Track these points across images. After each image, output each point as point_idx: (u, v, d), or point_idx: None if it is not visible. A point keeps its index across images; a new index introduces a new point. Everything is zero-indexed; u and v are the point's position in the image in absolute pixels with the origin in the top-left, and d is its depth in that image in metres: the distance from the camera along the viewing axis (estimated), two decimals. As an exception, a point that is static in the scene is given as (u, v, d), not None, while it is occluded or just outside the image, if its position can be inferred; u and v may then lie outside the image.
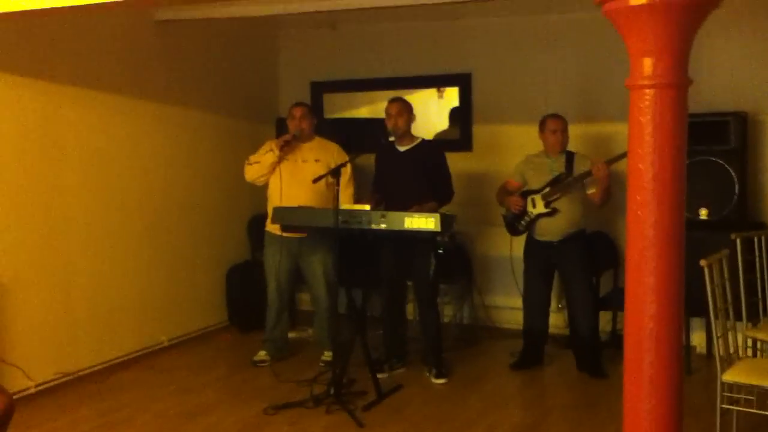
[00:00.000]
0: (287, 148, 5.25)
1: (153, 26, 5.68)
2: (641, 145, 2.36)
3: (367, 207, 4.72)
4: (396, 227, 4.56)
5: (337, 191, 4.63)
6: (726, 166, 5.16)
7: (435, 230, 4.52)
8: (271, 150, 5.25)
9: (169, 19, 5.71)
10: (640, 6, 2.27)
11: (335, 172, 4.65)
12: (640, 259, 2.38)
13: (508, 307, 6.11)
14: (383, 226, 4.58)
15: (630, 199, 2.40)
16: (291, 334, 5.91)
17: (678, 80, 2.33)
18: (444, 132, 6.68)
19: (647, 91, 2.34)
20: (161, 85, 5.78)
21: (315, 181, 4.74)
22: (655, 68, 2.33)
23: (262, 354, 5.48)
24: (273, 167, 5.26)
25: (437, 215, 4.54)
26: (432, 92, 6.76)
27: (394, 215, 4.60)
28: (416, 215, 4.57)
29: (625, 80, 2.41)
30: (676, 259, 2.35)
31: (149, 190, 5.68)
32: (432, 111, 6.76)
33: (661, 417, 2.40)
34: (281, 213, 4.97)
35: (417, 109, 6.66)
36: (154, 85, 5.72)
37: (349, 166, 5.23)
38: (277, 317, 5.50)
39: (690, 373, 5.09)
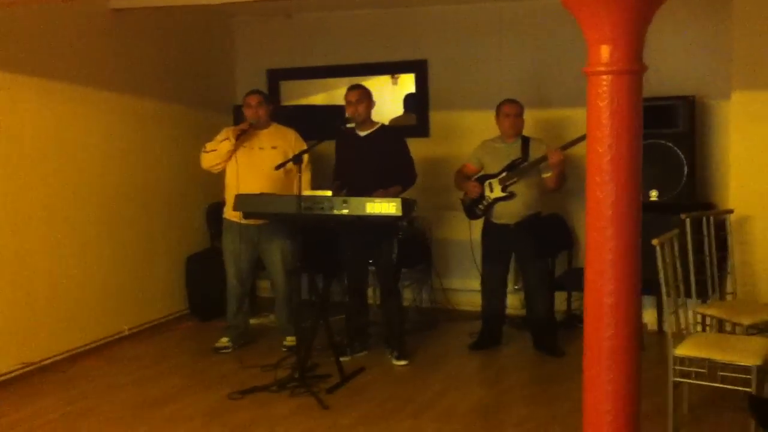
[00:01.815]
0: (243, 136, 5.28)
1: (108, 14, 5.63)
2: (599, 128, 2.46)
3: (329, 193, 4.77)
4: (358, 212, 4.63)
5: (300, 178, 4.67)
6: (675, 148, 5.33)
7: (396, 215, 4.60)
8: (227, 138, 5.27)
9: (124, 7, 5.68)
10: (598, -5, 2.37)
11: (297, 159, 4.69)
12: (599, 238, 2.49)
13: (467, 289, 6.23)
14: (345, 211, 4.65)
15: (589, 180, 2.51)
16: (252, 321, 5.95)
17: (633, 66, 2.44)
18: (399, 118, 6.76)
19: (604, 77, 2.44)
20: (117, 74, 5.74)
21: (278, 167, 4.78)
22: (611, 55, 2.43)
23: (224, 340, 5.51)
24: (229, 155, 5.29)
25: (398, 200, 4.62)
26: (386, 79, 6.84)
27: (356, 200, 4.67)
28: (377, 200, 4.64)
29: (583, 67, 2.52)
30: (633, 238, 2.47)
31: (106, 180, 5.65)
32: (386, 97, 6.82)
33: (620, 389, 2.52)
34: (243, 200, 5.00)
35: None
36: (110, 74, 5.67)
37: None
38: (237, 304, 5.53)
39: (642, 349, 5.25)
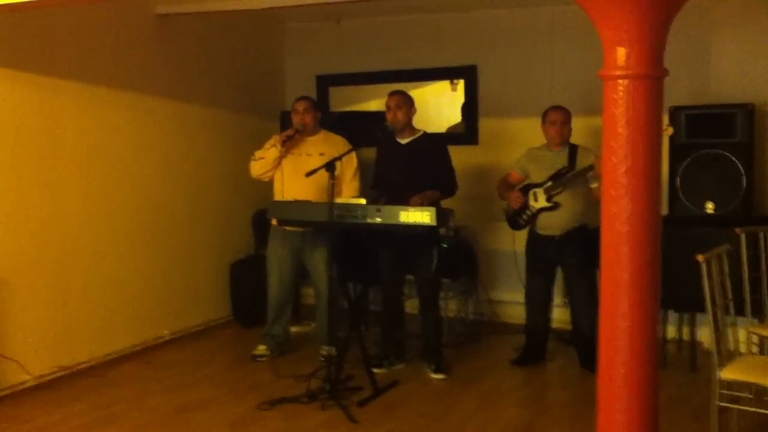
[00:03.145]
0: (290, 142, 5.21)
1: (153, 20, 5.66)
2: (615, 137, 2.29)
3: (363, 201, 4.66)
4: (391, 221, 4.50)
5: (332, 185, 4.56)
6: (733, 159, 5.03)
7: (431, 224, 4.45)
8: (274, 145, 5.21)
9: (170, 12, 5.69)
10: (612, -6, 2.20)
11: (330, 166, 4.58)
12: (614, 256, 2.31)
13: (513, 302, 6.01)
14: (378, 220, 4.53)
15: (604, 193, 2.34)
16: (294, 329, 5.89)
17: (652, 71, 2.25)
18: (456, 125, 6.60)
19: (620, 81, 2.27)
20: (162, 80, 5.76)
21: (308, 174, 4.68)
22: (628, 58, 2.26)
23: (261, 348, 5.45)
24: (276, 162, 5.23)
25: (433, 209, 4.47)
26: (445, 85, 6.69)
27: (389, 209, 4.54)
28: (411, 209, 4.50)
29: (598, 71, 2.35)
30: (651, 256, 2.28)
31: (150, 185, 5.67)
32: (444, 104, 6.69)
33: (635, 417, 2.33)
34: (277, 207, 4.94)
35: (430, 102, 6.64)
36: (155, 80, 5.70)
37: (355, 159, 5.20)
38: (278, 312, 5.46)
39: (694, 370, 4.99)
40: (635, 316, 2.26)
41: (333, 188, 4.59)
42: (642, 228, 2.25)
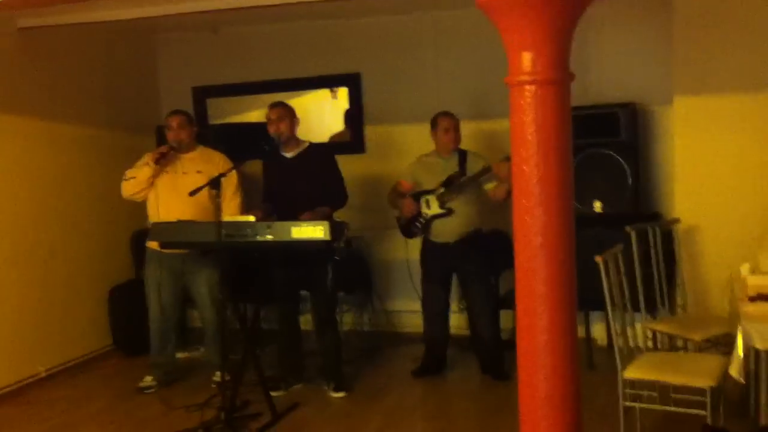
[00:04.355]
0: (164, 160, 4.92)
1: (15, 34, 5.25)
2: (524, 145, 2.19)
3: (252, 218, 4.44)
4: (283, 238, 4.30)
5: (219, 203, 4.32)
6: (618, 158, 5.12)
7: (324, 239, 4.28)
8: (147, 164, 4.91)
9: (34, 25, 5.28)
10: (516, -2, 2.10)
11: (215, 183, 4.34)
12: (529, 268, 2.21)
13: (410, 311, 5.93)
14: (269, 237, 4.32)
15: (516, 203, 2.24)
16: (181, 355, 5.59)
17: (559, 75, 2.17)
18: (340, 134, 6.46)
19: (527, 87, 2.18)
20: (28, 97, 5.36)
21: (192, 193, 4.40)
22: (534, 64, 2.16)
23: (148, 380, 5.13)
24: (150, 182, 4.93)
25: (326, 223, 4.30)
26: (325, 93, 6.53)
27: (280, 225, 4.34)
28: (304, 224, 4.32)
29: (504, 77, 2.26)
30: (568, 266, 2.20)
31: (19, 210, 5.25)
32: (326, 112, 6.54)
33: (561, 429, 2.24)
34: (159, 229, 4.64)
35: (310, 111, 6.46)
36: (20, 97, 5.29)
37: (235, 175, 4.94)
38: (161, 339, 5.15)
39: (592, 367, 5.03)
40: (555, 329, 2.17)
41: (220, 206, 4.34)
42: (557, 238, 2.17)
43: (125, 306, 5.92)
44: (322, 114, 6.54)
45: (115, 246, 6.07)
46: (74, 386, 5.30)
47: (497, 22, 2.21)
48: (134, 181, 4.96)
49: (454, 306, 5.46)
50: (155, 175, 4.93)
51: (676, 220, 4.79)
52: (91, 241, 5.88)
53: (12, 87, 5.23)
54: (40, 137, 5.45)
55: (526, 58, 2.17)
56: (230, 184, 4.94)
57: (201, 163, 4.99)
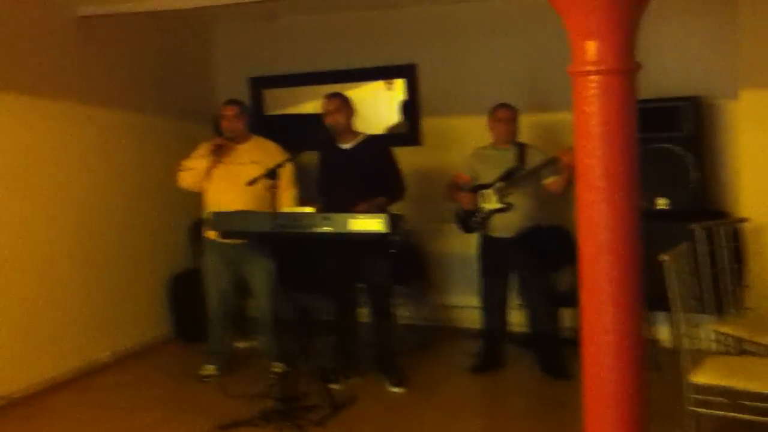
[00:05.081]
0: (220, 152, 4.95)
1: (75, 22, 5.31)
2: (588, 138, 2.12)
3: (311, 209, 4.43)
4: (341, 229, 4.29)
5: (275, 193, 4.33)
6: (681, 153, 4.97)
7: (382, 231, 4.25)
8: (204, 156, 4.95)
9: (92, 14, 5.34)
10: (581, -17, 2.03)
11: (271, 174, 4.35)
12: (594, 266, 2.14)
13: (468, 306, 5.86)
14: (327, 228, 4.30)
15: (580, 198, 2.17)
16: (240, 344, 5.62)
17: (626, 65, 2.09)
18: (396, 126, 6.41)
19: (592, 77, 2.10)
20: (86, 86, 5.42)
21: (249, 183, 4.43)
22: (599, 52, 2.09)
23: (209, 368, 5.18)
24: (206, 173, 4.97)
25: (384, 216, 4.27)
26: (380, 85, 6.49)
27: (338, 217, 4.32)
28: (361, 216, 4.29)
29: (567, 67, 2.19)
30: (635, 264, 2.12)
31: (78, 199, 5.34)
32: (382, 104, 6.49)
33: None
34: (217, 218, 4.67)
35: (366, 103, 6.43)
36: (79, 86, 5.36)
37: (290, 166, 4.95)
38: (220, 328, 5.20)
39: (658, 369, 4.90)
40: (620, 330, 2.10)
41: (275, 197, 4.35)
42: (623, 234, 2.09)
43: (184, 294, 6.00)
44: (377, 105, 6.50)
45: (175, 235, 6.14)
46: (136, 372, 5.39)
47: (560, 8, 2.15)
48: (191, 172, 5.01)
49: (512, 302, 5.39)
50: (212, 167, 4.96)
51: (744, 219, 4.62)
52: (151, 229, 5.95)
53: (71, 75, 5.30)
54: (98, 125, 5.51)
55: (591, 47, 2.09)
56: (285, 175, 4.95)
57: (256, 154, 4.99)
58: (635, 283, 2.11)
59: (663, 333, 5.27)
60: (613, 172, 2.09)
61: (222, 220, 4.65)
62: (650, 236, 4.63)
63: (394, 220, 4.34)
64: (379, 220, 4.23)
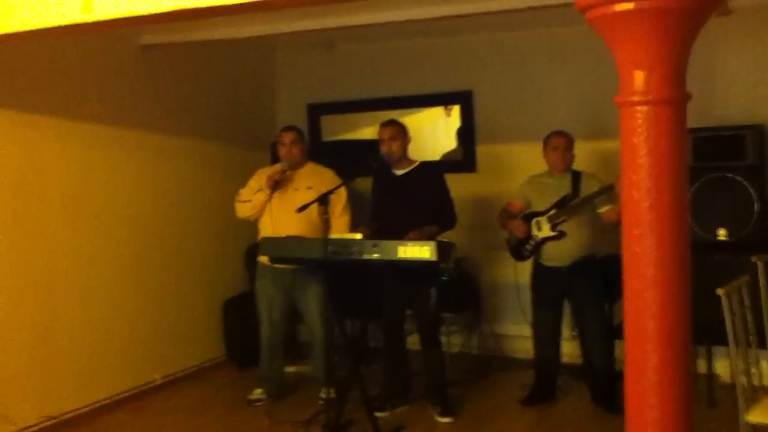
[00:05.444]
0: (279, 187, 4.99)
1: (138, 51, 5.45)
2: (635, 170, 2.07)
3: (359, 236, 4.42)
4: (389, 257, 4.25)
5: (326, 219, 4.33)
6: (744, 182, 4.81)
7: (431, 259, 4.21)
8: (261, 189, 5.00)
9: (155, 43, 5.47)
10: (628, 12, 1.99)
11: (323, 200, 4.35)
12: (639, 303, 2.08)
13: (520, 335, 5.77)
14: (375, 255, 4.27)
15: (625, 232, 2.11)
16: (290, 369, 5.62)
17: (674, 95, 2.04)
18: (453, 152, 6.38)
19: (639, 108, 2.05)
20: (148, 113, 5.54)
21: (300, 209, 4.46)
22: (647, 82, 2.04)
23: (258, 392, 5.20)
24: (264, 206, 5.02)
25: (433, 243, 4.22)
26: (439, 111, 6.48)
27: (387, 244, 4.29)
28: (410, 244, 4.26)
29: (614, 97, 2.14)
30: (682, 300, 2.05)
31: (137, 222, 5.44)
32: (440, 130, 6.47)
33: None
34: (269, 243, 4.70)
35: (424, 129, 6.43)
36: (141, 113, 5.48)
37: (344, 192, 4.97)
38: (271, 353, 5.21)
39: (713, 406, 4.74)
40: (666, 369, 2.03)
41: (327, 223, 4.35)
42: (670, 270, 2.02)
43: (239, 318, 6.03)
44: (435, 132, 6.49)
45: (230, 258, 6.20)
46: (187, 395, 5.43)
47: (607, 38, 2.11)
48: (249, 205, 5.06)
49: (566, 333, 5.28)
50: (269, 200, 5.01)
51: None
52: (207, 253, 6.02)
53: (133, 102, 5.42)
54: (158, 151, 5.63)
55: (638, 77, 2.05)
56: (339, 201, 4.97)
57: (312, 179, 5.02)
58: (683, 321, 2.04)
59: (722, 368, 5.09)
60: (660, 206, 2.03)
61: (272, 245, 4.68)
62: (711, 267, 4.53)
63: (444, 248, 4.28)
64: (428, 248, 4.18)
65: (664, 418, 2.02)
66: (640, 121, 2.05)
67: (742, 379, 3.44)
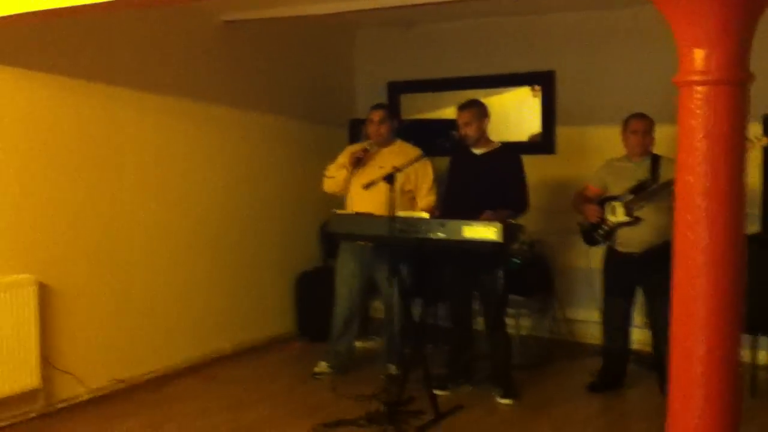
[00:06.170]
0: (360, 165, 5.02)
1: (219, 27, 5.54)
2: (691, 152, 1.99)
3: (426, 215, 4.40)
4: (454, 237, 4.23)
5: (392, 197, 4.33)
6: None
7: (496, 240, 4.16)
8: (344, 166, 5.06)
9: (237, 19, 5.55)
10: (686, -13, 1.90)
11: (389, 178, 4.35)
12: (689, 290, 2.00)
13: (592, 320, 5.65)
14: (441, 235, 4.26)
15: (678, 217, 2.04)
16: (359, 344, 5.66)
17: (736, 75, 1.95)
18: (538, 134, 6.25)
19: (698, 88, 1.97)
20: (228, 88, 5.64)
21: (366, 187, 4.48)
22: (707, 61, 1.96)
23: (322, 365, 5.26)
24: (347, 182, 5.07)
25: (499, 224, 4.18)
26: (526, 91, 6.35)
27: (453, 224, 4.27)
28: (476, 224, 4.22)
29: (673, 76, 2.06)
30: (733, 292, 1.96)
31: (214, 195, 5.56)
32: (526, 111, 6.34)
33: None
34: (338, 220, 4.73)
35: (510, 109, 6.33)
36: (221, 88, 5.58)
37: (430, 172, 5.02)
38: (344, 327, 5.25)
39: (754, 395, 4.59)
40: (714, 360, 1.95)
41: (394, 201, 4.35)
42: (722, 258, 1.94)
43: (312, 292, 6.11)
44: (521, 112, 6.36)
45: (305, 234, 6.28)
46: (255, 366, 5.53)
47: (667, 14, 2.03)
48: (333, 181, 5.14)
49: (638, 320, 5.14)
50: (352, 176, 5.04)
51: None
52: (281, 227, 6.11)
53: (213, 78, 5.52)
54: (237, 126, 5.73)
55: (698, 56, 1.97)
56: (426, 179, 5.00)
57: (398, 158, 4.91)
58: (733, 312, 1.95)
59: (765, 357, 4.92)
60: (715, 191, 1.95)
61: (340, 221, 4.71)
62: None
63: (511, 230, 4.24)
64: (494, 229, 4.14)
65: (709, 411, 1.94)
66: (698, 101, 1.98)
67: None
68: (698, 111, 1.96)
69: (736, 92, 1.94)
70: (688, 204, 1.99)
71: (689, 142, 1.98)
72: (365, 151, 5.05)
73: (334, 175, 5.13)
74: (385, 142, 5.11)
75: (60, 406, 4.56)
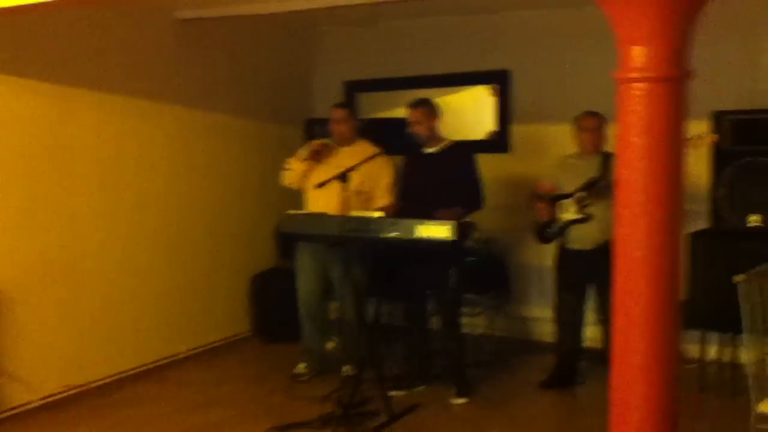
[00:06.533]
0: (318, 157, 4.99)
1: (175, 25, 5.45)
2: (629, 149, 2.01)
3: (379, 214, 4.40)
4: (407, 236, 4.22)
5: (346, 197, 4.32)
6: (781, 168, 4.66)
7: (450, 239, 4.17)
8: (303, 158, 5.02)
9: (193, 17, 5.47)
10: (624, -17, 1.91)
11: (342, 177, 4.33)
12: (627, 285, 2.02)
13: (545, 318, 5.68)
14: (394, 234, 4.25)
15: (617, 213, 2.06)
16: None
17: (674, 72, 1.96)
18: (496, 132, 6.27)
19: (636, 85, 1.98)
20: (184, 87, 5.57)
21: (318, 186, 4.45)
22: (645, 59, 1.97)
23: (301, 367, 5.18)
24: (303, 175, 5.03)
25: (452, 223, 4.18)
26: (484, 90, 6.35)
27: (405, 223, 4.26)
28: (429, 223, 4.22)
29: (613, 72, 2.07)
30: (670, 285, 1.99)
31: (169, 196, 5.49)
32: (484, 110, 6.35)
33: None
34: (289, 219, 4.70)
35: (468, 107, 6.34)
36: (176, 87, 5.51)
37: (390, 172, 5.00)
38: (311, 326, 5.21)
39: (737, 394, 4.63)
40: (651, 355, 1.97)
41: (348, 201, 4.34)
42: (659, 254, 1.96)
43: (266, 293, 6.07)
44: (478, 111, 6.38)
45: (259, 234, 6.22)
46: (210, 368, 5.48)
47: (608, 12, 2.04)
48: (290, 173, 5.10)
49: (592, 317, 5.19)
50: (310, 169, 5.00)
51: None
52: (236, 228, 6.06)
53: (168, 76, 5.45)
54: (192, 125, 5.65)
55: (636, 53, 1.98)
56: (384, 177, 4.98)
57: (357, 158, 4.88)
58: (671, 306, 1.97)
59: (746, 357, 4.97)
60: (653, 187, 1.96)
61: (292, 221, 4.67)
62: (742, 255, 4.40)
63: (463, 228, 4.25)
64: (447, 227, 4.15)
65: (648, 403, 1.97)
66: (636, 98, 1.98)
67: (753, 369, 3.35)
68: (636, 108, 1.97)
69: (674, 89, 1.96)
70: (626, 200, 2.01)
71: (628, 138, 2.00)
72: (325, 145, 5.02)
73: (293, 168, 5.08)
74: (347, 142, 5.09)
75: (8, 414, 4.45)
